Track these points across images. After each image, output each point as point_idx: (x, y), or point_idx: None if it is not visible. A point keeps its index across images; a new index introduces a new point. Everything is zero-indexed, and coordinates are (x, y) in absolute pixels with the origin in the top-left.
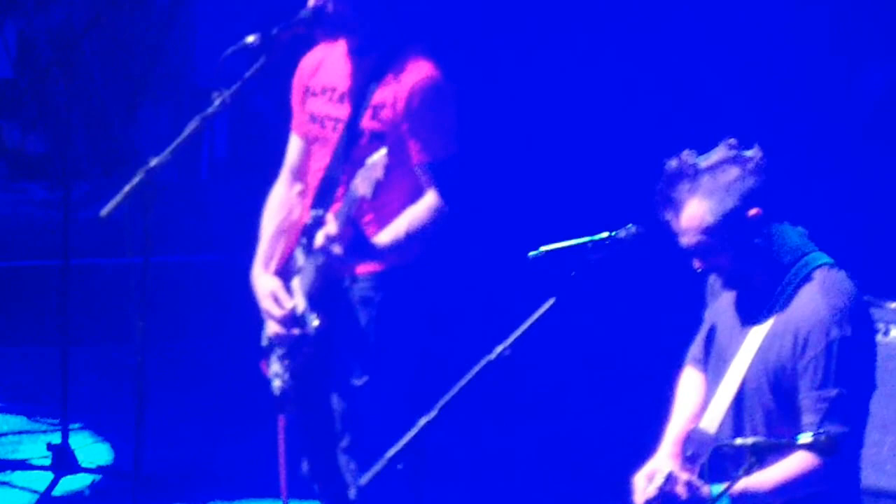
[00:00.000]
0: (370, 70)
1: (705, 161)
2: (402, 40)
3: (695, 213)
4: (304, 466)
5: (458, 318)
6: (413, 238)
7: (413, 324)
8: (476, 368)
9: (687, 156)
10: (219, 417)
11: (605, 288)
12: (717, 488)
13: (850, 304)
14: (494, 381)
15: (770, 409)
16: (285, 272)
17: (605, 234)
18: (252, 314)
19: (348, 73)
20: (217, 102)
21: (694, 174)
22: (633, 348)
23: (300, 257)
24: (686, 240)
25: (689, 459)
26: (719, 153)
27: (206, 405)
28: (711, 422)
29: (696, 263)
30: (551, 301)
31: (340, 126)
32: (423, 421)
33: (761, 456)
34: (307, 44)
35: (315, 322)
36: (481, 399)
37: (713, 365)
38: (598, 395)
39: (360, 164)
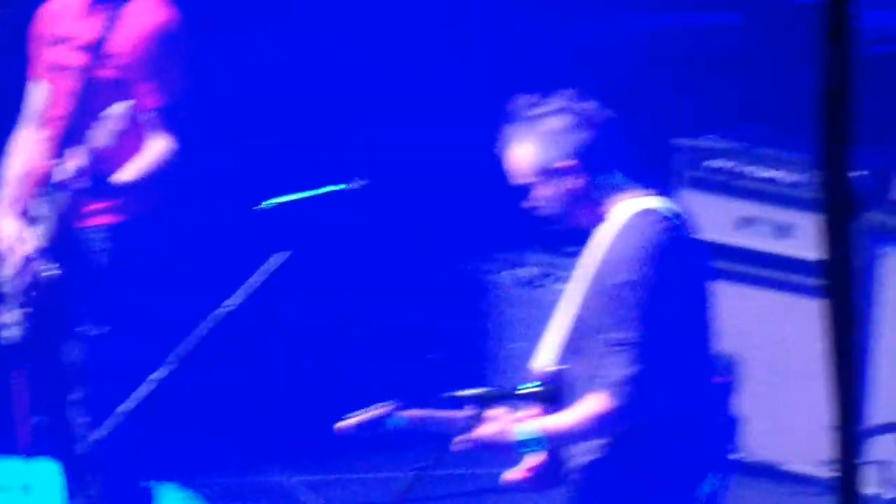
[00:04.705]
0: (106, 18)
1: (539, 107)
2: None
3: (519, 155)
4: (40, 420)
5: (192, 271)
6: (150, 181)
7: (147, 275)
8: (209, 321)
9: (525, 99)
10: None
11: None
12: (522, 431)
13: (642, 250)
14: (227, 333)
15: (591, 349)
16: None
17: (333, 187)
18: None
19: (85, 21)
20: None
21: (526, 118)
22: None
23: (39, 206)
24: (516, 178)
25: None
26: (554, 101)
27: None
28: (544, 360)
29: (527, 201)
30: (282, 254)
31: (79, 75)
32: (156, 375)
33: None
34: None
35: (51, 271)
36: (214, 351)
37: None
38: (337, 344)
39: (98, 111)
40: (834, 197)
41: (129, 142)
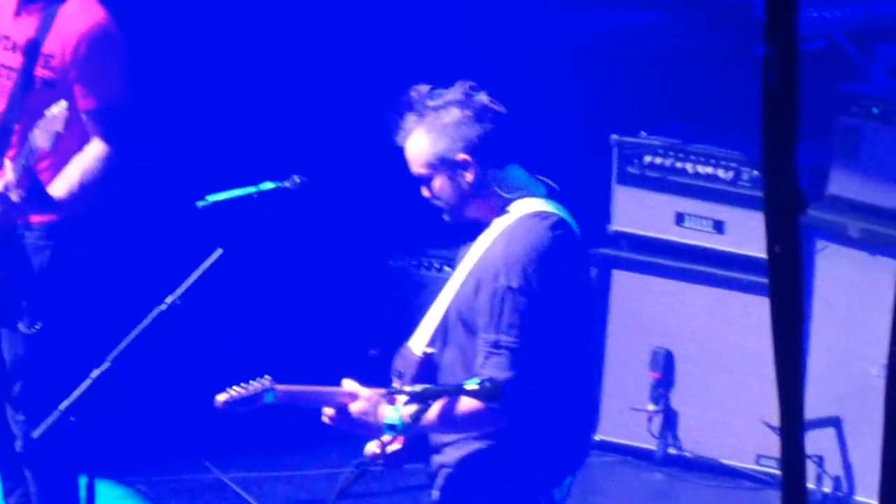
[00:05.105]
0: (42, 17)
1: (436, 98)
2: None
3: (415, 146)
4: None
5: (131, 269)
6: (86, 187)
7: (86, 273)
8: (148, 319)
9: (421, 88)
10: None
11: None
12: (391, 414)
13: (529, 256)
14: (166, 330)
15: (462, 340)
16: None
17: (270, 185)
18: None
19: (20, 21)
20: None
21: (422, 108)
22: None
23: None
24: (410, 168)
25: (398, 376)
26: (451, 93)
27: None
28: (417, 343)
29: (423, 191)
30: (219, 251)
31: (14, 75)
32: (95, 373)
33: (428, 401)
34: None
35: None
36: (152, 347)
37: None
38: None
39: (34, 112)
40: (779, 194)
41: (68, 143)
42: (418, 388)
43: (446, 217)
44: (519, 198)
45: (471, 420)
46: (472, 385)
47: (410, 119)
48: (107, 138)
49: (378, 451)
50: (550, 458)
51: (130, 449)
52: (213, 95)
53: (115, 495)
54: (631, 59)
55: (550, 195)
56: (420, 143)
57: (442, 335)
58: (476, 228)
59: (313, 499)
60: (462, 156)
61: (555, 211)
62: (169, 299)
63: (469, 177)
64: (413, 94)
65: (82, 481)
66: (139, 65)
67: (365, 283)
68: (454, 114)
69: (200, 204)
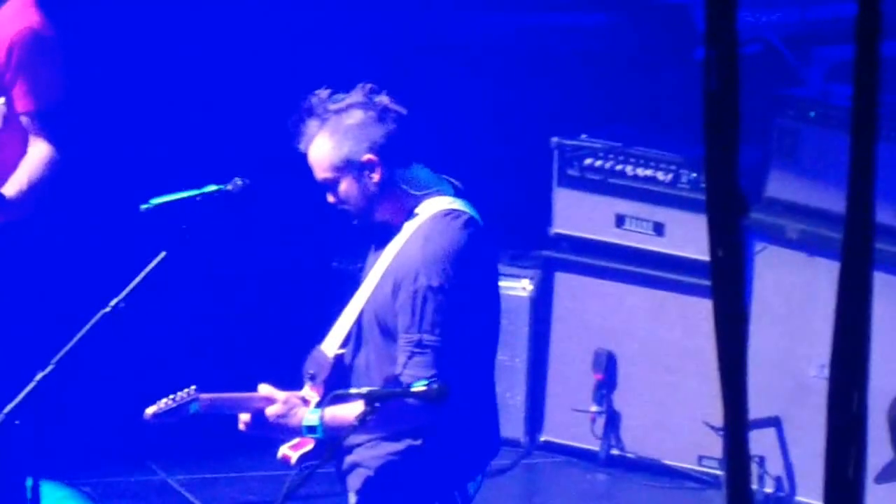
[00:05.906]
0: None
1: (337, 102)
2: None
3: (319, 150)
4: None
5: (75, 271)
6: (34, 189)
7: (29, 276)
8: (92, 322)
9: (321, 93)
10: None
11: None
12: (310, 417)
13: (447, 255)
14: (111, 332)
15: (378, 342)
16: None
17: (213, 187)
18: None
19: None
20: None
21: (324, 112)
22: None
23: None
24: (315, 174)
25: (310, 378)
26: (352, 96)
27: None
28: (330, 345)
29: (329, 197)
30: (163, 254)
31: None
32: (39, 376)
33: (374, 403)
34: None
35: None
36: (97, 350)
37: None
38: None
39: None
40: (721, 197)
41: (9, 144)
42: (367, 389)
43: (355, 221)
44: (427, 196)
45: (394, 418)
46: (419, 387)
47: (312, 124)
48: (49, 140)
49: (293, 453)
50: (465, 454)
51: (76, 450)
52: (155, 98)
53: (61, 496)
54: (571, 62)
55: (457, 193)
56: (324, 148)
57: (356, 338)
58: (385, 232)
59: (259, 501)
60: (367, 156)
61: (465, 209)
62: (113, 302)
63: (376, 177)
64: (313, 99)
65: (28, 483)
66: (80, 67)
67: (308, 286)
68: (357, 116)
69: (144, 207)
